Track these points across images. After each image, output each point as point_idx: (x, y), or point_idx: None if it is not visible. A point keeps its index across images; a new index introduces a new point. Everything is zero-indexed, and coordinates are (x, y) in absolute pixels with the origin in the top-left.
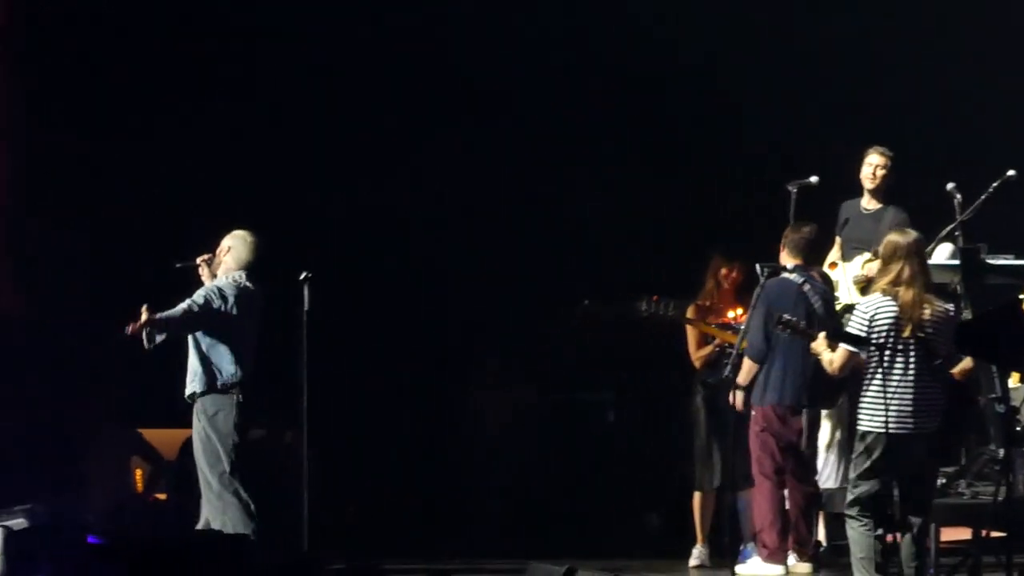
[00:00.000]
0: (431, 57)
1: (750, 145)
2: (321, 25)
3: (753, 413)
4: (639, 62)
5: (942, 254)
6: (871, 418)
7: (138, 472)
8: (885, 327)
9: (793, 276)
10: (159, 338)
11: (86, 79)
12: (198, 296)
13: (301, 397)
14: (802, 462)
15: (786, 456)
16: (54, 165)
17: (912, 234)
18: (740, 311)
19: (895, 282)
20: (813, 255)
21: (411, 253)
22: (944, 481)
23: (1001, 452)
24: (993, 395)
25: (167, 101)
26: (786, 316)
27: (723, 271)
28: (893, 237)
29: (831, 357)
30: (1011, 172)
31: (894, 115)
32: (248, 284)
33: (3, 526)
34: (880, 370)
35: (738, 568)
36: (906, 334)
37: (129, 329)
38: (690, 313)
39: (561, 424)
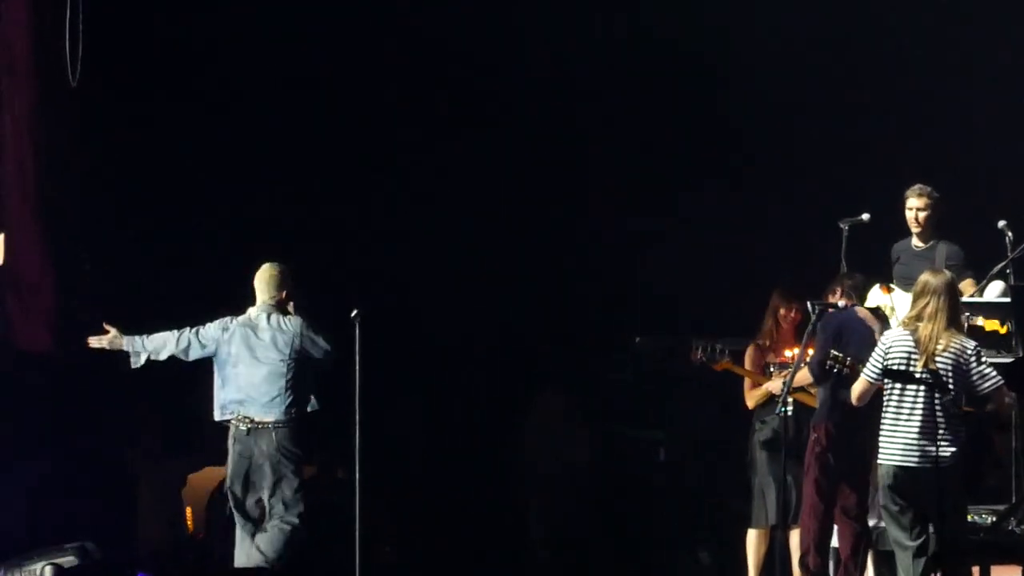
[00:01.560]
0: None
1: (802, 179)
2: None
3: (815, 435)
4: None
5: (993, 292)
6: (883, 450)
7: (188, 510)
8: (897, 360)
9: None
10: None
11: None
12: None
13: (354, 434)
14: (857, 497)
15: (841, 484)
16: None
17: (945, 274)
18: (798, 351)
19: (918, 316)
20: (863, 300)
21: (463, 290)
22: (995, 519)
23: None
24: None
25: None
26: (835, 352)
27: (782, 311)
28: (925, 276)
29: (854, 388)
30: None
31: (945, 151)
32: (249, 317)
33: (54, 563)
34: (891, 402)
35: None
36: (919, 366)
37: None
38: (749, 352)
39: (613, 462)
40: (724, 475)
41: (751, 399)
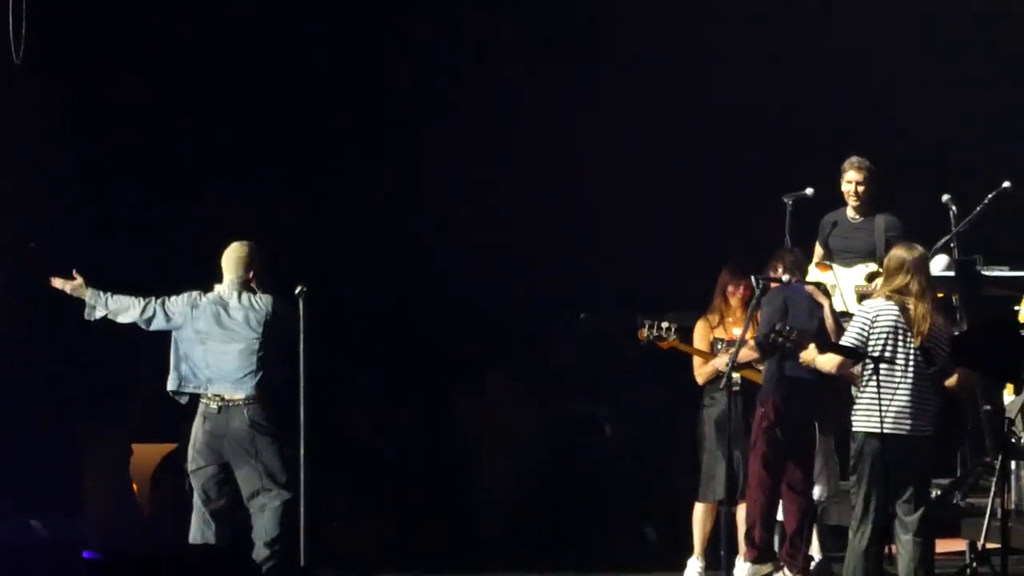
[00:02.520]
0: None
1: (748, 157)
2: (315, 28)
3: (761, 409)
4: (642, 68)
5: (937, 266)
6: (867, 419)
7: (135, 486)
8: (885, 332)
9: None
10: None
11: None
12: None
13: (298, 411)
14: (803, 472)
15: (787, 459)
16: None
17: (918, 249)
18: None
19: (902, 292)
20: (805, 275)
21: (410, 265)
22: (940, 492)
23: (997, 463)
24: (988, 406)
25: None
26: (779, 325)
27: (730, 288)
28: (900, 252)
29: (824, 359)
30: (1007, 184)
31: (889, 126)
32: (219, 295)
33: None
34: (877, 374)
35: None
36: (914, 344)
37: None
38: (698, 328)
39: (558, 437)
40: (671, 451)
41: (700, 376)
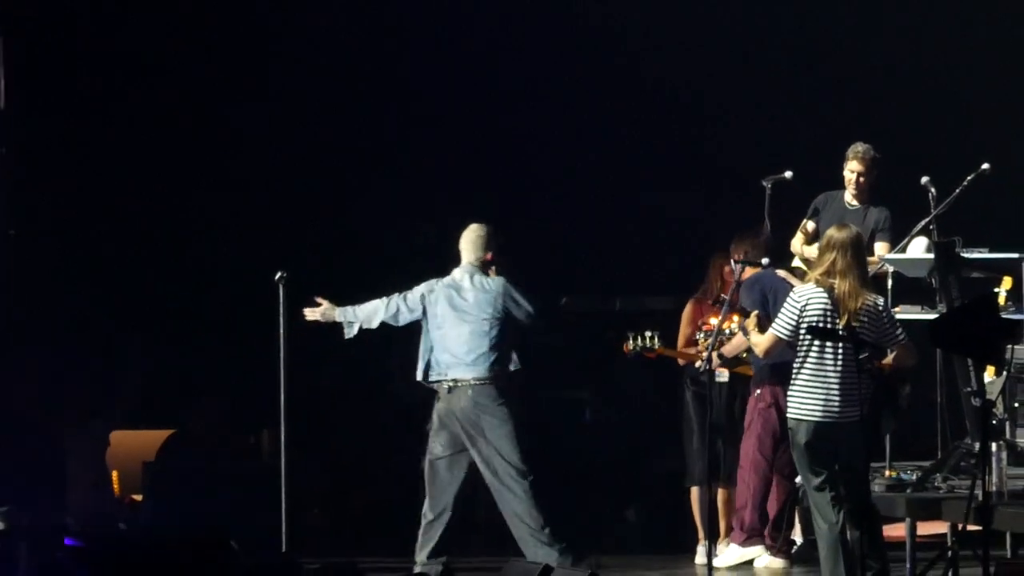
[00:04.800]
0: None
1: (727, 142)
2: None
3: (759, 391)
4: (625, 63)
5: (917, 248)
6: (799, 407)
7: (115, 473)
8: (815, 317)
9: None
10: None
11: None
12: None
13: (279, 397)
14: (789, 456)
15: (781, 443)
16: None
17: (851, 229)
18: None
19: (828, 273)
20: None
21: (384, 250)
22: (920, 475)
23: (977, 446)
24: (969, 388)
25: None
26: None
27: (727, 269)
28: (831, 231)
29: (758, 340)
30: (985, 165)
31: (869, 107)
32: (454, 279)
33: None
34: (809, 359)
35: (716, 561)
36: (840, 324)
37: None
38: (688, 309)
39: (538, 422)
40: (651, 434)
41: (683, 358)
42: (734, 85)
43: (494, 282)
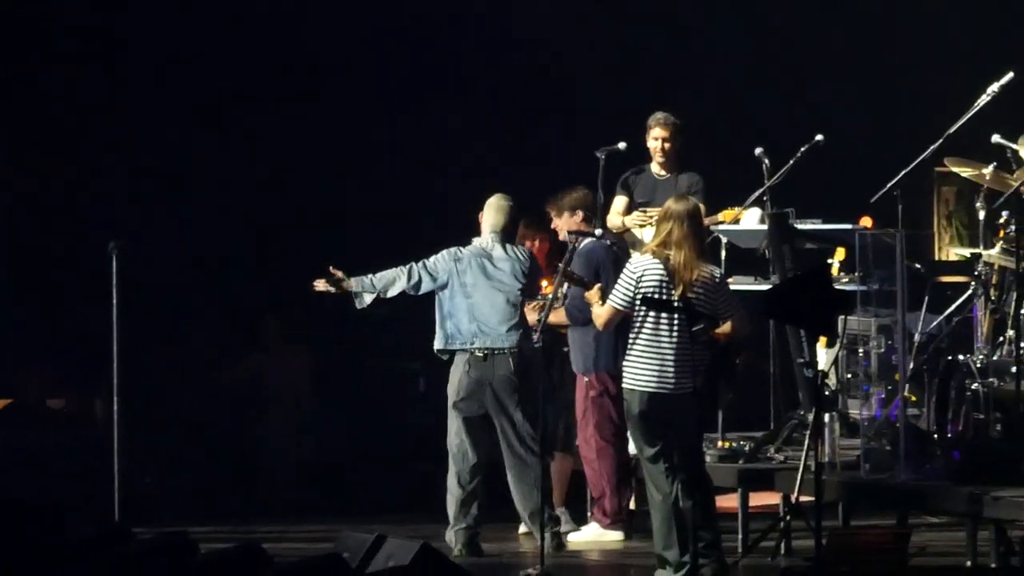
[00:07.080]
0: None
1: (558, 109)
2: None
3: (586, 379)
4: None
5: (751, 219)
6: (634, 377)
7: None
8: (651, 288)
9: (604, 242)
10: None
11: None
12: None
13: (111, 366)
14: (621, 432)
15: (620, 425)
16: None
17: (689, 200)
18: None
19: (664, 244)
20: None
21: (211, 220)
22: (753, 446)
23: (810, 417)
24: (801, 360)
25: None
26: (562, 266)
27: (527, 243)
28: (669, 202)
29: (598, 312)
30: (819, 137)
31: (701, 79)
32: (481, 248)
33: None
34: (644, 330)
35: (573, 536)
36: (675, 295)
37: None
38: None
39: (373, 392)
40: None
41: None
42: (584, 59)
43: (524, 252)
